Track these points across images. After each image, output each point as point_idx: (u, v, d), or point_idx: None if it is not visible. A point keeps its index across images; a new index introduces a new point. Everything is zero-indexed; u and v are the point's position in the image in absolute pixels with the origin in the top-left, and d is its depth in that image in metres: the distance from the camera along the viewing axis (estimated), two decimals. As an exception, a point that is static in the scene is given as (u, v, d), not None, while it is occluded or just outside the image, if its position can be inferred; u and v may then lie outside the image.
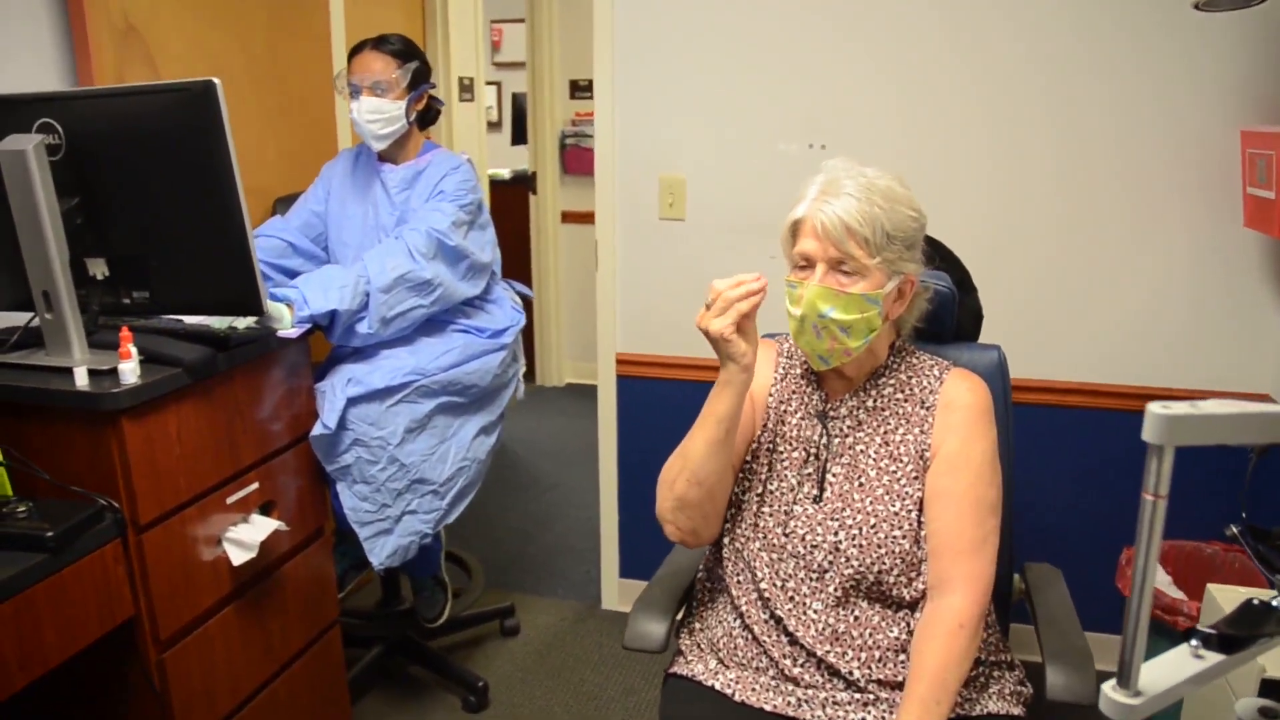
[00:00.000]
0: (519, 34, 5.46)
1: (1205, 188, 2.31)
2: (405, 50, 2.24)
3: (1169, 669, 0.74)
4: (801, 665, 1.45)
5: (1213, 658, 0.76)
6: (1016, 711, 1.46)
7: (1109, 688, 0.74)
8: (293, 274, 2.25)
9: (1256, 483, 2.24)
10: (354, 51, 2.24)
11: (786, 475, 1.52)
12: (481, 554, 3.28)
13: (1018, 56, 2.36)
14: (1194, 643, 0.77)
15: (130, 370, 1.57)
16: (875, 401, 1.52)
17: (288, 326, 1.88)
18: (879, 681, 1.42)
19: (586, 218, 5.04)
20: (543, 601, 3.06)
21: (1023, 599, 1.74)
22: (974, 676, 1.46)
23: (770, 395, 1.58)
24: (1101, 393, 2.47)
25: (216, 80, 1.55)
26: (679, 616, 1.65)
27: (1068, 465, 2.53)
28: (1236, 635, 0.76)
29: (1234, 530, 1.42)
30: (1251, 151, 2.09)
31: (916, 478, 1.47)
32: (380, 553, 2.12)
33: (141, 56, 2.24)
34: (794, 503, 1.50)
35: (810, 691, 1.44)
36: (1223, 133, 2.25)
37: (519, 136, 5.56)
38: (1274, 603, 0.80)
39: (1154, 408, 0.68)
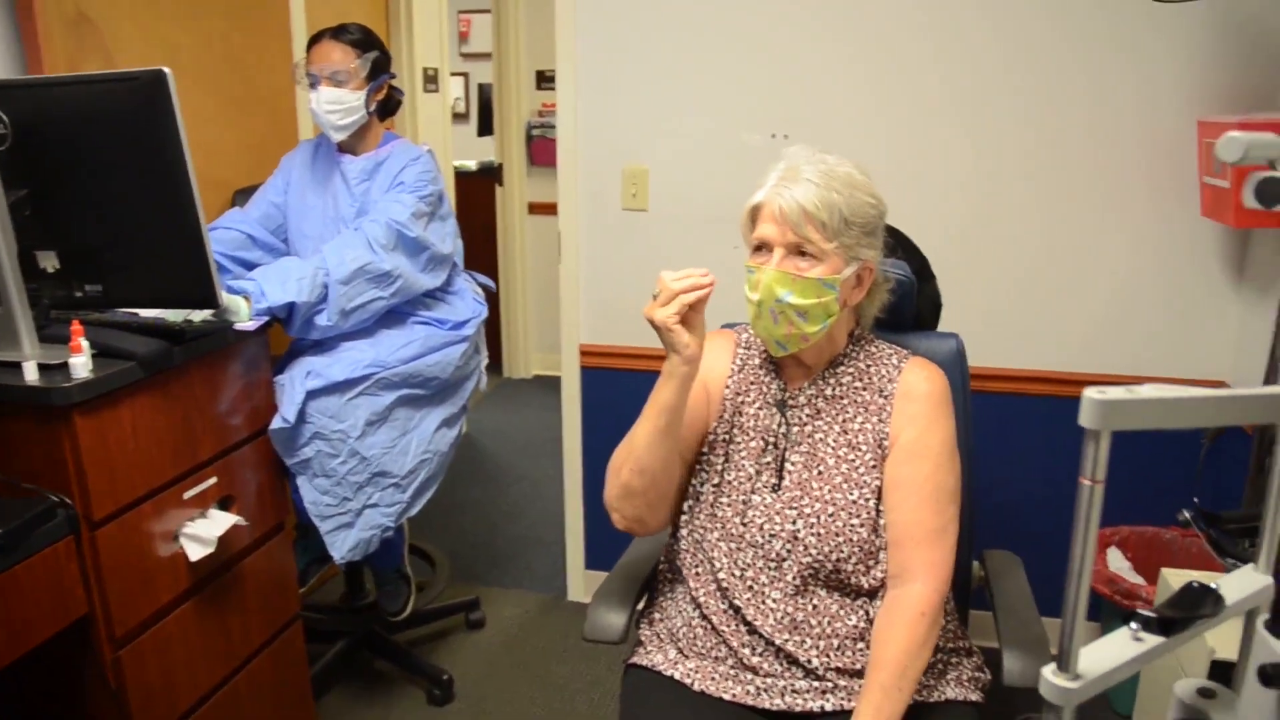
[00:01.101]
0: (487, 25, 5.42)
1: (1163, 177, 2.33)
2: (364, 40, 2.21)
3: (1109, 652, 0.75)
4: (760, 654, 1.45)
5: (1152, 640, 0.77)
6: (974, 698, 1.47)
7: (1049, 671, 0.75)
8: (252, 266, 2.22)
9: (1211, 468, 2.28)
10: (312, 41, 2.21)
11: (744, 465, 1.53)
12: (447, 547, 3.27)
13: (980, 48, 2.37)
14: (1133, 626, 0.78)
15: (82, 364, 1.54)
16: (834, 390, 1.53)
17: (245, 319, 1.85)
18: (837, 669, 1.43)
19: (554, 209, 4.98)
20: (508, 594, 3.06)
21: (981, 586, 1.75)
22: (933, 663, 1.47)
23: (727, 386, 1.59)
24: (1059, 380, 2.50)
25: (167, 70, 1.53)
26: (639, 607, 1.65)
27: (1026, 453, 2.56)
28: (1175, 617, 0.77)
29: (1186, 515, 1.44)
30: (1208, 141, 2.11)
31: (875, 466, 1.48)
32: (341, 547, 2.10)
33: (95, 47, 2.20)
34: (752, 492, 1.51)
35: (769, 680, 1.44)
36: (1180, 123, 2.28)
37: (485, 128, 5.52)
38: (1213, 585, 0.81)
39: (1090, 393, 0.69)
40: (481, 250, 4.88)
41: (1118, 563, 2.38)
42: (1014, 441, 2.55)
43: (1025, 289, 2.48)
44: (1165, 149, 2.31)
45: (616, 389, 2.79)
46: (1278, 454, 0.88)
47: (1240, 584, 0.83)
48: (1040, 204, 2.42)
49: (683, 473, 1.56)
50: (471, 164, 5.33)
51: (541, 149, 5.02)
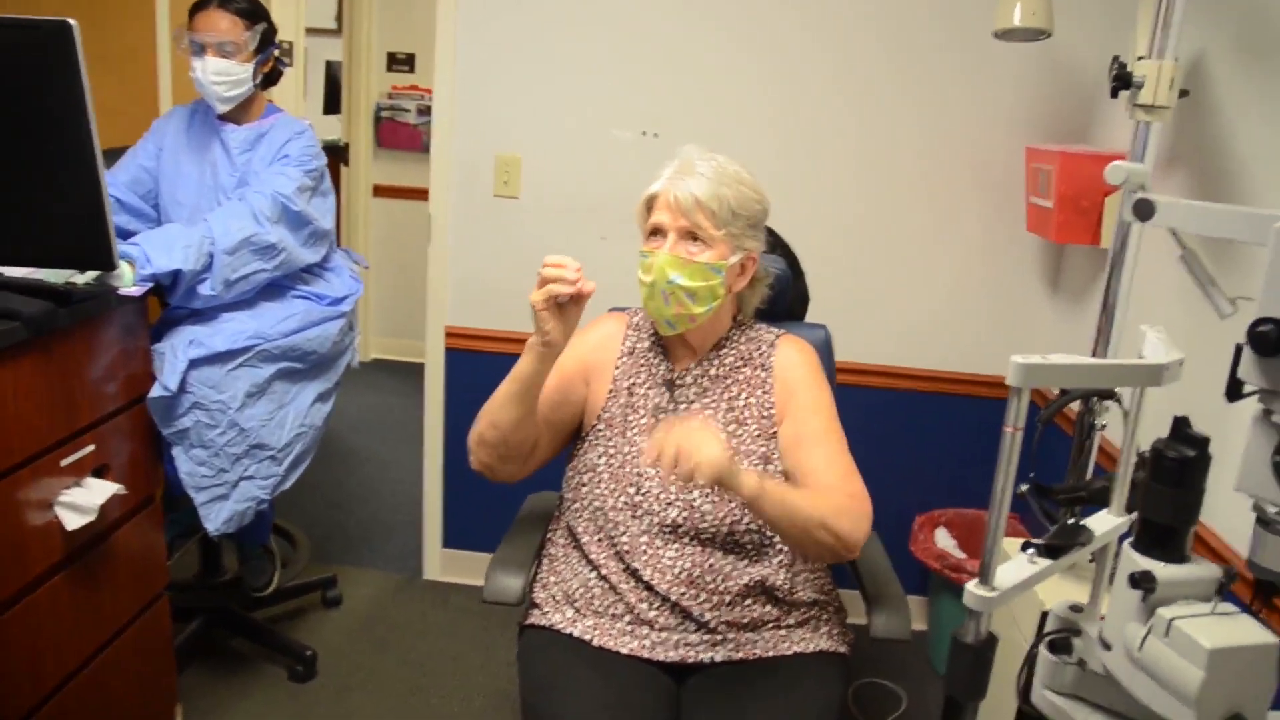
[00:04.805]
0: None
1: (995, 196, 2.62)
2: (253, 10, 2.18)
3: (1014, 571, 0.92)
4: (657, 609, 1.57)
5: (1043, 563, 0.94)
6: (842, 650, 1.64)
7: (972, 585, 0.91)
8: (119, 231, 2.15)
9: (1027, 460, 2.57)
10: (198, 6, 2.15)
11: (636, 441, 1.64)
12: (299, 525, 3.22)
13: (836, 73, 2.58)
14: (1029, 551, 0.96)
15: (-36, 322, 1.49)
16: (718, 370, 1.67)
17: (129, 284, 1.82)
18: (728, 623, 1.56)
19: (400, 192, 5.00)
20: (364, 573, 3.05)
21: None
22: (807, 618, 1.62)
23: (617, 367, 1.70)
24: (899, 375, 2.75)
25: (73, 21, 1.50)
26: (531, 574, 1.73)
27: (869, 441, 2.78)
28: (1060, 545, 0.95)
29: (1023, 488, 1.66)
30: (1034, 165, 2.39)
31: (759, 435, 1.62)
32: (216, 519, 2.08)
33: (-53, -9, 2.08)
34: (646, 465, 1.62)
35: (664, 634, 1.56)
36: (1011, 148, 2.56)
37: (332, 106, 5.40)
38: (1083, 522, 1.00)
39: (1016, 358, 0.86)
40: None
41: (944, 541, 2.64)
42: (861, 430, 2.77)
43: (870, 290, 2.71)
44: (997, 170, 2.59)
45: (481, 371, 2.82)
46: (1128, 422, 1.08)
47: (1101, 523, 1.03)
48: (885, 215, 2.66)
49: (556, 441, 1.69)
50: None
51: (390, 131, 4.98)
